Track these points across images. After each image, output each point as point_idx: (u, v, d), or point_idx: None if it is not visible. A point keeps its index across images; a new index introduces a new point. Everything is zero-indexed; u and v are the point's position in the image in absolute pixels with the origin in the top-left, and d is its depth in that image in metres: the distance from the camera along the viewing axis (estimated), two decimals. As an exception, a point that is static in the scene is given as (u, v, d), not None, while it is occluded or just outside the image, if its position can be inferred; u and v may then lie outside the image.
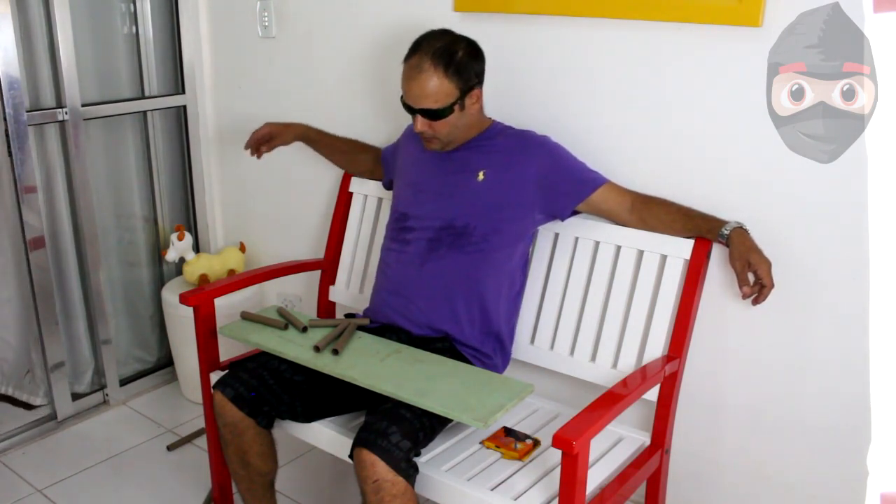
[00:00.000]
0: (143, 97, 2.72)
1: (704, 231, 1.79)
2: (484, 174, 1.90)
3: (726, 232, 1.74)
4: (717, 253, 1.83)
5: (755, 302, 1.71)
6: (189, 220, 2.94)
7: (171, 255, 2.73)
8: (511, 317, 2.00)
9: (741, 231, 1.74)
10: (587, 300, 1.98)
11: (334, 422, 1.87)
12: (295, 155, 2.68)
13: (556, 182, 1.89)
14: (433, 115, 1.83)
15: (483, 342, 1.93)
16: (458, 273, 1.91)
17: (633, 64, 1.90)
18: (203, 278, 2.70)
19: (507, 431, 1.83)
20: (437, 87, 1.80)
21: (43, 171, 2.49)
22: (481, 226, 1.89)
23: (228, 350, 2.17)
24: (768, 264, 1.69)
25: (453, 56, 1.81)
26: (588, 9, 1.91)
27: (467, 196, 1.91)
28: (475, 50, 1.87)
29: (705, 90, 1.81)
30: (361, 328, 1.95)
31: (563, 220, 1.94)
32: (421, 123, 1.86)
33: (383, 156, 2.24)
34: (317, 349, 1.81)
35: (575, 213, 1.93)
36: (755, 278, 1.70)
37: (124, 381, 2.81)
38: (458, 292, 1.91)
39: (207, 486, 2.29)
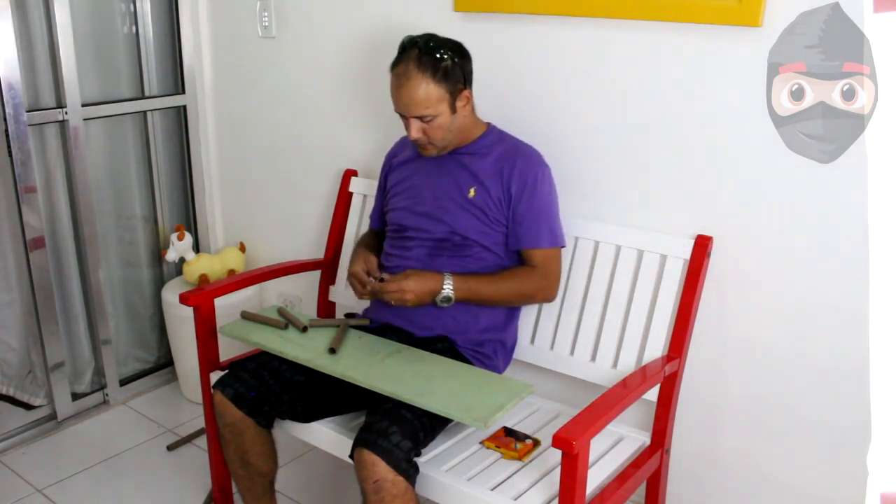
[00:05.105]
0: (143, 97, 2.72)
1: None
2: (475, 191, 1.89)
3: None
4: (717, 253, 1.84)
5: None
6: (189, 220, 2.94)
7: (171, 255, 2.73)
8: (513, 318, 2.00)
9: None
10: (587, 300, 1.98)
11: (334, 422, 1.87)
12: (295, 154, 2.68)
13: (519, 218, 1.88)
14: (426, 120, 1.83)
15: (484, 343, 1.93)
16: None
17: (633, 64, 1.90)
18: (203, 278, 2.70)
19: (507, 431, 1.83)
20: (425, 93, 1.79)
21: (43, 171, 2.49)
22: (480, 238, 1.89)
23: (228, 350, 2.17)
24: (398, 287, 1.79)
25: (439, 60, 1.79)
26: (588, 9, 1.91)
27: (461, 212, 1.90)
28: (461, 51, 1.86)
29: (705, 90, 1.81)
30: (361, 328, 1.95)
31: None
32: (415, 130, 1.85)
33: (374, 220, 2.19)
34: (332, 351, 1.81)
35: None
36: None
37: (124, 381, 2.81)
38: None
39: (207, 486, 2.29)
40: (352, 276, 1.94)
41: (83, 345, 2.70)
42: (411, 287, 1.79)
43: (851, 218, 1.67)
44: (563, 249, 1.94)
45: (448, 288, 1.82)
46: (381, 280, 1.85)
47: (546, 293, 1.92)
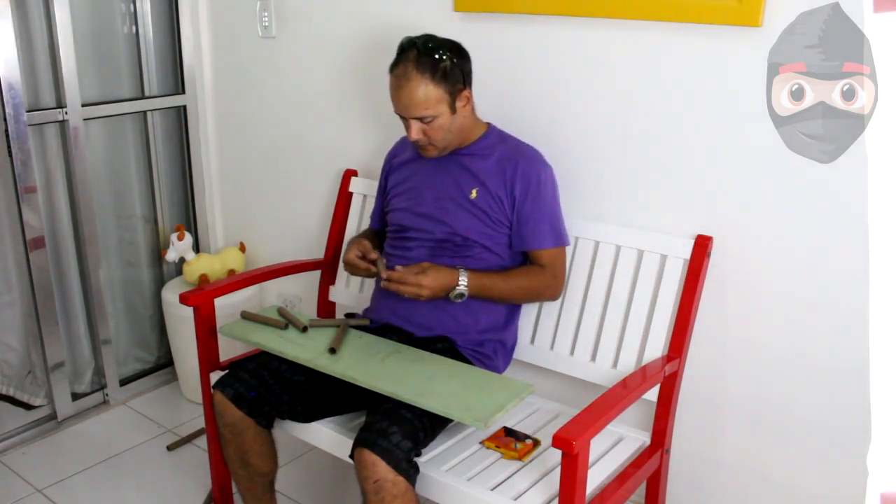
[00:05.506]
0: (143, 97, 2.72)
1: None
2: (477, 192, 1.89)
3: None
4: (717, 253, 1.84)
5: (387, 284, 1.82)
6: (189, 220, 2.94)
7: (171, 255, 2.73)
8: (513, 318, 2.00)
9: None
10: (587, 300, 1.98)
11: (334, 422, 1.87)
12: (295, 154, 2.68)
13: (523, 219, 1.89)
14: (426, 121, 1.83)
15: (484, 343, 1.93)
16: None
17: (632, 64, 1.90)
18: (203, 278, 2.70)
19: (507, 431, 1.83)
20: (425, 94, 1.79)
21: (43, 171, 2.49)
22: (480, 239, 1.89)
23: (228, 350, 2.17)
24: (416, 282, 1.79)
25: (438, 61, 1.79)
26: (588, 9, 1.91)
27: (462, 213, 1.90)
28: (459, 51, 1.86)
29: (705, 90, 1.81)
30: (361, 328, 1.95)
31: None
32: (416, 131, 1.85)
33: (374, 220, 2.20)
34: (332, 351, 1.81)
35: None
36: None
37: (124, 381, 2.81)
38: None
39: (207, 486, 2.29)
40: (347, 264, 1.96)
41: (83, 345, 2.70)
42: (428, 283, 1.79)
43: (851, 218, 1.67)
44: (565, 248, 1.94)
45: (463, 284, 1.82)
46: (393, 268, 1.84)
47: (553, 291, 1.94)
